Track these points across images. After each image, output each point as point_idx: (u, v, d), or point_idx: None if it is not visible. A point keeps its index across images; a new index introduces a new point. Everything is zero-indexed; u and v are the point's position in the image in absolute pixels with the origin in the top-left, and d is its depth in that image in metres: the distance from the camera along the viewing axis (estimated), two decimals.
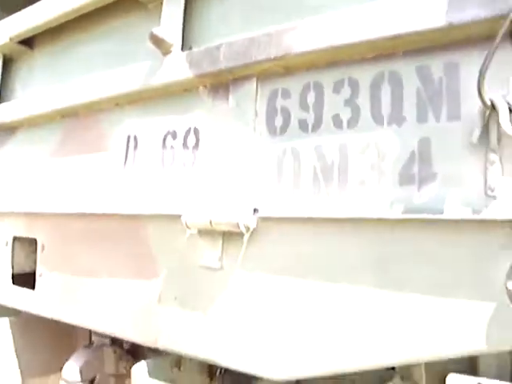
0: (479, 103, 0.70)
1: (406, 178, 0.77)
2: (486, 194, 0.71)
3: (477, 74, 0.68)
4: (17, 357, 1.46)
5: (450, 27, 0.72)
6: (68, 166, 1.30)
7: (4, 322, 1.47)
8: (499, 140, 0.72)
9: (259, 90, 0.92)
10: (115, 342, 1.41)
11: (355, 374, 1.12)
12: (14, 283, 1.43)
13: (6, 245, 1.46)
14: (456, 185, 0.73)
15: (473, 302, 0.71)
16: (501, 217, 0.69)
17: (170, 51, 1.03)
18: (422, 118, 0.76)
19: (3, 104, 1.49)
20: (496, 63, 0.70)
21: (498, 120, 0.69)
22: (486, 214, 0.70)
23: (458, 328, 0.72)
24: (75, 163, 1.29)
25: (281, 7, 0.94)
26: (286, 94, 0.89)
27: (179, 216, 0.96)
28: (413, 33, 0.76)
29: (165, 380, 1.08)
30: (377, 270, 0.79)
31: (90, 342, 1.44)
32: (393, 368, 1.13)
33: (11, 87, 1.52)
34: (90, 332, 1.49)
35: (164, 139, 1.08)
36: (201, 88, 1.01)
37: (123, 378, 1.39)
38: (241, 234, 0.91)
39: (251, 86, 0.92)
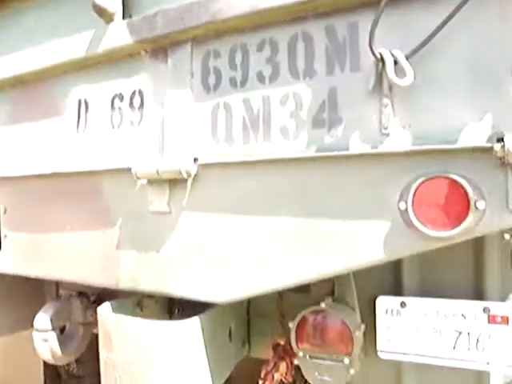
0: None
1: (318, 123, 0.92)
2: (381, 132, 0.88)
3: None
4: None
5: None
6: (22, 132, 1.38)
7: None
8: (390, 88, 0.88)
9: (194, 52, 1.04)
10: (81, 294, 1.54)
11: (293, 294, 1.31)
12: None
13: None
14: (358, 126, 0.89)
15: (375, 221, 0.89)
16: (393, 149, 0.86)
17: (113, 20, 1.13)
18: (330, 71, 0.91)
19: None
20: (388, 22, 0.85)
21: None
22: (381, 149, 0.87)
23: (365, 243, 0.89)
24: (29, 130, 1.37)
25: None
26: (217, 55, 1.02)
27: (130, 169, 1.09)
28: None
29: None
30: (300, 201, 0.95)
31: (58, 296, 1.57)
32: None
33: None
34: (57, 287, 1.61)
35: (112, 101, 1.19)
36: (142, 53, 1.12)
37: (91, 325, 1.53)
38: (184, 181, 1.04)
39: (186, 49, 1.04)
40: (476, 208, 0.79)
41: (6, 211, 1.45)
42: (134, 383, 1.12)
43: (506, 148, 0.74)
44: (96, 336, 1.36)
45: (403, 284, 1.39)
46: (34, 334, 1.44)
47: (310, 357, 1.24)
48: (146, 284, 1.14)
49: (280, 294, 1.45)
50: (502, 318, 1.28)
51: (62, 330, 1.49)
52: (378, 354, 1.38)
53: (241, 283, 1.01)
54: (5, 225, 1.45)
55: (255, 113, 0.97)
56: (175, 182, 1.07)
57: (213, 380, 1.16)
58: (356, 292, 1.35)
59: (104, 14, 1.12)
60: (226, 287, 1.03)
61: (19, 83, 1.36)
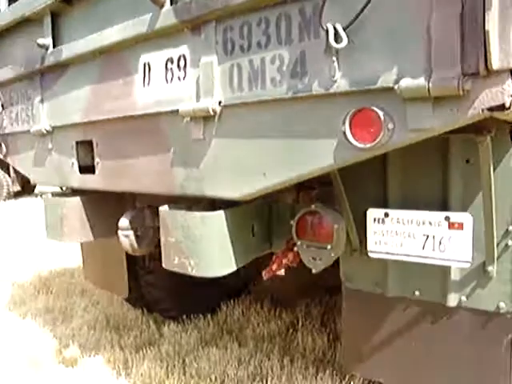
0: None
1: (294, 75, 1.43)
2: (331, 80, 1.36)
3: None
4: (88, 222, 2.31)
5: None
6: (107, 88, 2.03)
7: (75, 199, 2.29)
8: (336, 50, 1.35)
9: (217, 28, 1.58)
10: (150, 206, 2.20)
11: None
12: (81, 173, 2.24)
13: (72, 148, 2.25)
14: (317, 76, 1.38)
15: (328, 139, 1.39)
16: (338, 90, 1.35)
17: (164, 6, 1.69)
18: (301, 39, 1.40)
19: (57, 48, 2.21)
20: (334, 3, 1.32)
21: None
22: (331, 90, 1.36)
23: (322, 154, 1.40)
24: (112, 86, 2.01)
25: None
26: (232, 29, 1.55)
27: (178, 110, 1.68)
28: None
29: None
30: (282, 128, 1.47)
31: (135, 207, 2.25)
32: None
33: (61, 36, 2.23)
34: (134, 200, 2.29)
35: (166, 64, 1.77)
36: (185, 29, 1.68)
37: (158, 229, 2.20)
38: (213, 117, 1.61)
39: (212, 26, 1.58)
40: (387, 129, 1.28)
41: (97, 145, 2.13)
42: (182, 256, 1.75)
43: (401, 88, 1.21)
44: None
45: (388, 199, 1.88)
46: (119, 231, 2.15)
47: (306, 246, 1.80)
48: (190, 189, 1.75)
49: (293, 207, 2.00)
50: (458, 224, 1.74)
51: (136, 230, 2.18)
52: (368, 253, 1.91)
53: (248, 185, 1.58)
54: (97, 155, 2.13)
55: (255, 69, 1.50)
56: (207, 118, 1.64)
57: (233, 260, 1.76)
58: (353, 205, 1.86)
59: (157, 2, 1.69)
60: (240, 188, 1.61)
61: (104, 52, 1.99)
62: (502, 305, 1.72)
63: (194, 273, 1.71)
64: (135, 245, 2.12)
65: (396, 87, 1.23)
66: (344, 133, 1.34)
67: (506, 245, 1.70)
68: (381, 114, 1.27)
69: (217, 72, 1.61)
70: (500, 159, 1.63)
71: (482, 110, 1.14)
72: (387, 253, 1.89)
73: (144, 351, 2.93)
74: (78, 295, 4.05)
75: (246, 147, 1.58)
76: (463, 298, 1.79)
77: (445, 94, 1.16)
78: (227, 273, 1.74)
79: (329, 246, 1.74)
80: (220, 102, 1.61)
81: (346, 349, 2.13)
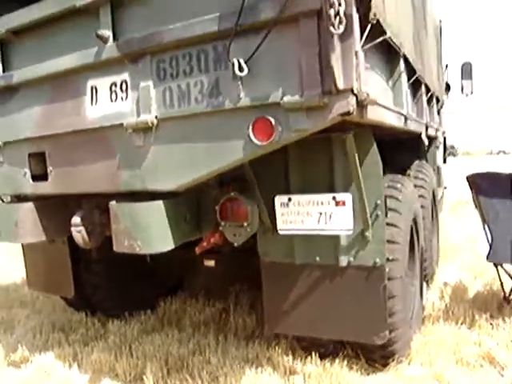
0: None
1: (212, 95, 2.02)
2: (238, 97, 1.96)
3: None
4: (40, 224, 2.72)
5: None
6: (58, 107, 2.49)
7: (29, 204, 2.69)
8: (240, 77, 1.96)
9: (152, 59, 2.13)
10: (97, 206, 2.67)
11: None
12: (33, 181, 2.65)
13: (24, 159, 2.67)
14: (229, 96, 1.98)
15: (236, 141, 1.99)
16: (243, 105, 1.95)
17: (107, 41, 2.21)
18: (216, 68, 2.00)
19: (7, 73, 2.63)
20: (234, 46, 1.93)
21: None
22: (238, 105, 1.96)
23: (233, 150, 1.99)
24: (62, 105, 2.48)
25: None
26: (163, 61, 2.11)
27: (122, 124, 2.21)
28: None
29: None
30: (205, 134, 2.06)
31: (82, 208, 2.70)
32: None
33: (10, 63, 2.65)
34: (80, 204, 2.74)
35: (110, 87, 2.28)
36: (125, 61, 2.21)
37: (104, 225, 2.66)
38: (151, 128, 2.15)
39: (148, 57, 2.14)
40: (278, 130, 1.89)
41: (50, 156, 2.57)
42: (131, 239, 2.24)
43: (284, 102, 1.84)
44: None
45: (290, 187, 2.51)
46: (72, 228, 2.59)
47: (228, 225, 2.38)
48: (135, 186, 2.27)
49: (216, 199, 2.56)
50: (342, 202, 2.40)
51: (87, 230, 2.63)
52: (278, 231, 2.53)
53: (180, 178, 2.14)
54: (50, 164, 2.57)
55: (183, 91, 2.07)
56: (146, 130, 2.17)
57: (170, 240, 2.28)
58: (264, 194, 2.47)
59: (102, 39, 2.21)
60: (174, 181, 2.15)
61: (55, 78, 2.44)
62: (377, 260, 2.41)
63: (141, 251, 2.22)
64: (86, 238, 2.57)
65: (281, 102, 1.85)
66: (248, 135, 1.94)
67: (377, 215, 2.39)
68: (272, 120, 1.89)
69: (153, 93, 2.16)
70: (367, 151, 2.32)
71: (337, 115, 1.79)
72: (292, 229, 2.53)
73: (92, 344, 3.34)
74: (19, 306, 4.32)
75: (177, 150, 2.13)
76: (351, 259, 2.45)
77: (312, 106, 1.80)
78: (166, 250, 2.26)
79: (245, 224, 2.33)
80: (156, 117, 2.15)
81: (268, 313, 2.72)
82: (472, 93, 6.83)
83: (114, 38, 2.22)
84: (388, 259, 2.57)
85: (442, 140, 6.53)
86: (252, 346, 3.15)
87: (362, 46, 1.82)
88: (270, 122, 1.89)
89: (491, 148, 59.62)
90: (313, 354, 2.88)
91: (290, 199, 2.51)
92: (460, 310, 3.45)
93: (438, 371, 2.76)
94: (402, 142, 3.86)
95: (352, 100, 1.76)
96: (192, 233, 2.50)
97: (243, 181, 2.43)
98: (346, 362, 2.84)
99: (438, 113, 5.70)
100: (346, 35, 1.73)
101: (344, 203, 2.40)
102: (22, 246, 3.59)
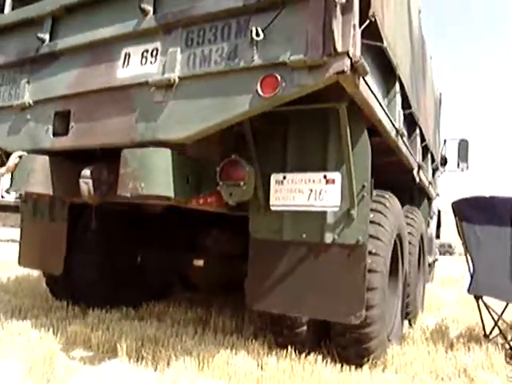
0: None
1: (230, 58, 2.41)
2: (251, 59, 2.35)
3: None
4: (51, 178, 2.98)
5: None
6: (91, 70, 2.88)
7: (44, 157, 2.97)
8: (256, 42, 2.37)
9: (182, 30, 2.57)
10: (108, 163, 2.95)
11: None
12: (54, 136, 2.97)
13: (49, 117, 3.01)
14: (244, 58, 2.37)
15: (246, 95, 2.34)
16: (255, 64, 2.33)
17: (148, 14, 2.67)
18: (236, 37, 2.41)
19: (53, 41, 3.06)
20: None
21: None
22: (251, 65, 2.34)
23: (242, 103, 2.33)
24: (96, 69, 2.87)
25: None
26: (192, 32, 2.55)
27: (147, 81, 2.58)
28: None
29: None
30: (219, 90, 2.41)
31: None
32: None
33: (55, 32, 3.10)
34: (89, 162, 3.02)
35: (142, 53, 2.70)
36: (159, 31, 2.65)
37: (110, 185, 2.92)
38: (172, 85, 2.52)
39: (179, 29, 2.57)
40: (282, 86, 2.25)
41: (74, 114, 2.92)
42: (135, 181, 2.50)
43: (291, 61, 2.22)
44: None
45: (286, 166, 2.82)
46: (81, 179, 2.85)
47: (226, 185, 2.65)
48: (148, 136, 2.58)
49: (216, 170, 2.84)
50: (332, 180, 2.70)
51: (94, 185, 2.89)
52: (271, 207, 2.80)
53: (191, 129, 2.45)
54: (72, 121, 2.91)
55: (205, 55, 2.47)
56: (168, 87, 2.54)
57: (172, 189, 2.53)
58: (261, 172, 2.77)
59: (144, 12, 2.66)
60: (184, 131, 2.47)
61: (93, 45, 2.88)
62: (360, 238, 2.63)
63: (143, 192, 2.47)
64: (92, 192, 2.82)
65: (288, 61, 2.24)
66: (256, 90, 2.30)
67: (363, 195, 2.66)
68: (279, 77, 2.26)
69: (179, 57, 2.56)
70: (358, 134, 2.66)
71: (333, 74, 2.16)
72: (284, 205, 2.79)
73: (70, 321, 3.42)
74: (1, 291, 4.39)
75: (191, 105, 2.48)
76: (335, 237, 2.68)
77: (314, 64, 2.18)
78: (164, 195, 2.51)
79: (242, 183, 2.60)
80: (178, 76, 2.53)
81: (249, 290, 2.87)
82: (468, 168, 7.32)
83: (154, 12, 2.67)
84: (370, 252, 2.79)
85: (436, 211, 6.87)
86: (229, 338, 3.23)
87: (362, 43, 2.23)
88: (276, 78, 2.26)
89: None
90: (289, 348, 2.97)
91: (284, 177, 2.81)
92: (439, 340, 3.55)
93: (414, 379, 2.83)
94: (394, 184, 4.17)
95: (347, 61, 2.15)
96: (192, 193, 2.76)
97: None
98: (320, 360, 2.91)
99: (433, 174, 6.11)
100: (346, 9, 2.16)
101: (334, 181, 2.69)
102: (22, 222, 3.81)
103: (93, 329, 3.22)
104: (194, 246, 4.02)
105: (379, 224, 2.95)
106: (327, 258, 2.70)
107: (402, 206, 4.45)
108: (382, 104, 2.88)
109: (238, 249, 3.31)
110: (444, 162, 7.04)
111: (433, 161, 5.81)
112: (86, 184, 2.84)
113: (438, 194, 6.57)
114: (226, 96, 2.40)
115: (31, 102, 3.09)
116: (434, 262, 6.90)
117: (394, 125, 3.21)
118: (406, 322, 4.16)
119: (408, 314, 4.19)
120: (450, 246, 22.54)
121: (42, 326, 3.29)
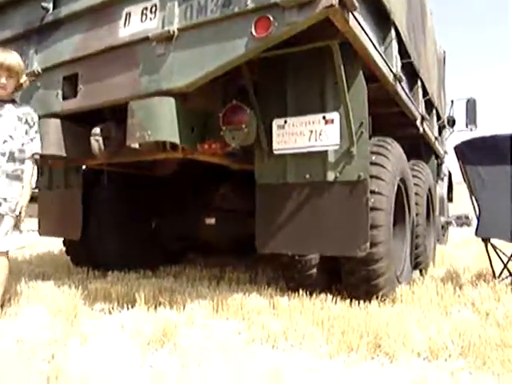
0: None
1: (225, 5, 2.55)
2: (245, 4, 2.49)
3: None
4: (63, 140, 3.17)
5: None
6: (94, 33, 3.05)
7: (56, 120, 3.16)
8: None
9: None
10: (116, 122, 3.13)
11: None
12: (63, 99, 3.15)
13: (58, 82, 3.19)
14: (239, 4, 2.52)
15: (241, 39, 2.48)
16: (249, 8, 2.47)
17: None
18: None
19: (56, 9, 3.24)
20: None
21: None
22: (245, 9, 2.48)
23: (238, 46, 2.48)
24: (98, 31, 3.04)
25: None
26: None
27: (148, 36, 2.74)
28: None
29: None
30: (216, 36, 2.56)
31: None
32: None
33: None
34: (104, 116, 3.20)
35: (142, 11, 2.86)
36: None
37: (119, 142, 3.10)
38: (172, 37, 2.68)
39: None
40: (275, 25, 2.39)
41: (82, 76, 3.10)
42: (143, 129, 2.67)
43: (282, 1, 2.35)
44: None
45: (287, 111, 2.96)
46: (91, 137, 3.04)
47: (229, 130, 2.80)
48: (152, 88, 2.74)
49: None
50: (330, 120, 2.84)
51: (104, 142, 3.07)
52: (274, 151, 2.95)
53: (191, 76, 2.61)
54: (80, 83, 3.09)
55: (201, 6, 2.62)
56: (168, 39, 2.70)
57: (177, 136, 2.69)
58: (263, 118, 2.92)
59: None
60: (185, 79, 2.62)
61: (95, 10, 3.05)
62: (361, 174, 2.77)
63: (150, 139, 2.64)
64: (102, 148, 3.01)
65: (279, 1, 2.37)
66: (251, 32, 2.44)
67: (361, 132, 2.80)
68: (271, 17, 2.40)
69: (177, 10, 2.71)
70: (354, 73, 2.79)
71: (322, 8, 2.29)
72: (286, 148, 2.94)
73: (90, 281, 3.63)
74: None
75: (190, 54, 2.63)
76: (337, 174, 2.82)
77: (303, 2, 2.31)
78: (170, 140, 2.68)
79: (243, 126, 2.75)
80: (178, 28, 2.69)
81: (259, 234, 3.03)
82: (476, 127, 7.35)
83: None
84: (374, 191, 2.93)
85: (446, 172, 6.94)
86: (243, 287, 3.40)
87: None
88: (269, 19, 2.40)
89: None
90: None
91: (285, 121, 2.95)
92: (448, 281, 3.67)
93: (422, 311, 2.95)
94: (398, 137, 4.27)
95: None
96: (196, 141, 2.92)
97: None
98: (330, 299, 3.04)
99: (440, 133, 6.18)
100: None
101: (332, 121, 2.83)
102: (39, 195, 4.02)
103: (112, 284, 3.42)
104: (205, 206, 4.19)
105: (381, 165, 3.08)
106: (331, 195, 2.84)
107: (409, 160, 4.56)
108: (377, 46, 3.00)
109: (246, 205, 3.45)
110: (452, 122, 7.09)
111: (438, 118, 5.89)
112: (96, 141, 3.02)
113: (446, 152, 6.64)
114: (223, 41, 2.54)
115: (40, 69, 3.27)
116: (447, 223, 6.98)
117: (391, 70, 3.32)
118: (416, 272, 4.29)
119: (418, 265, 4.31)
120: (466, 218, 22.47)
121: (64, 284, 3.50)
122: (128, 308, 3.00)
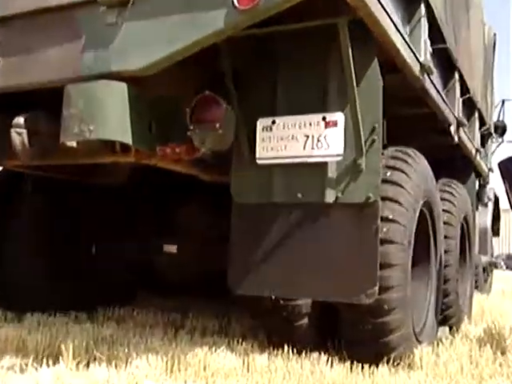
0: None
1: None
2: None
3: None
4: None
5: None
6: None
7: None
8: None
9: None
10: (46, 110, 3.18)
11: None
12: None
13: None
14: None
15: (220, 10, 2.57)
16: None
17: None
18: None
19: None
20: None
21: None
22: None
23: (215, 22, 2.56)
24: None
25: None
26: None
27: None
28: None
29: None
30: (184, 4, 2.65)
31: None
32: None
33: None
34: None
35: None
36: None
37: (51, 138, 3.15)
38: (127, 2, 2.75)
39: None
40: None
41: (1, 44, 3.15)
42: (82, 123, 2.73)
43: None
44: None
45: (276, 108, 3.05)
46: (12, 129, 3.08)
47: (198, 130, 2.87)
48: (97, 69, 2.80)
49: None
50: (333, 122, 2.93)
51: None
52: (257, 161, 3.03)
53: (153, 55, 2.68)
54: (0, 54, 3.15)
55: None
56: (122, 5, 2.77)
57: (129, 134, 2.75)
58: (245, 117, 3.00)
59: None
60: (145, 59, 2.70)
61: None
62: (370, 195, 2.85)
63: (91, 137, 2.70)
64: (27, 144, 3.05)
65: None
66: (232, 2, 2.53)
67: (373, 140, 2.89)
68: None
69: None
70: (366, 62, 2.89)
71: None
72: (274, 157, 3.03)
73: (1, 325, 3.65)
74: None
75: (153, 25, 2.70)
76: (339, 194, 2.90)
77: None
78: (119, 139, 2.74)
79: (217, 125, 2.82)
80: None
81: (233, 268, 3.09)
82: None
83: None
84: (387, 218, 3.01)
85: (492, 197, 7.07)
86: (209, 339, 3.45)
87: None
88: None
89: None
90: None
91: (274, 122, 3.03)
92: (486, 344, 3.75)
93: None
94: (424, 148, 4.34)
95: None
96: (155, 143, 2.98)
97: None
98: (324, 360, 3.09)
99: (483, 144, 6.31)
100: None
101: (335, 124, 2.92)
102: None
103: (30, 331, 3.44)
104: (164, 228, 4.24)
105: (397, 184, 3.15)
106: (329, 221, 2.92)
107: (438, 178, 4.64)
108: (400, 27, 3.10)
109: (219, 230, 3.53)
110: (502, 130, 7.22)
111: (482, 123, 6.03)
112: (18, 135, 3.06)
113: (491, 169, 6.72)
114: (196, 11, 2.61)
115: None
116: (490, 265, 7.10)
117: (417, 58, 3.43)
118: (444, 329, 4.37)
119: (447, 319, 4.39)
120: None
121: None
122: (49, 364, 3.01)
